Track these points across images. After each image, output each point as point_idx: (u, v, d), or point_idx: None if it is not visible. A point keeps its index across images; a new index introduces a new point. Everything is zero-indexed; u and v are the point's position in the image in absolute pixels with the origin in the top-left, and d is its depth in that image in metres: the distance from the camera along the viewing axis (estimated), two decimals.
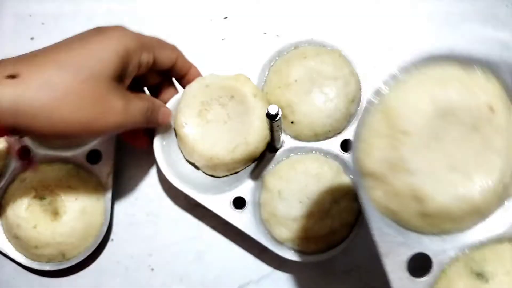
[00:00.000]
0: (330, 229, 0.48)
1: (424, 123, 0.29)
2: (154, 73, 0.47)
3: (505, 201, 0.31)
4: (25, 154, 0.51)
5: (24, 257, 0.50)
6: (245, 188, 0.49)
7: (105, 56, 0.38)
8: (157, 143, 0.49)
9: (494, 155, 0.29)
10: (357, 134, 0.31)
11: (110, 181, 0.51)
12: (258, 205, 0.49)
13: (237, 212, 0.49)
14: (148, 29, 0.45)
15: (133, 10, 0.58)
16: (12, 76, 0.34)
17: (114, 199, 0.53)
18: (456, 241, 0.31)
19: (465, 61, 0.30)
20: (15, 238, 0.50)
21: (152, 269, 0.53)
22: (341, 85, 0.49)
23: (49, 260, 0.50)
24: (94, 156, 0.52)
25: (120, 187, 0.54)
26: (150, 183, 0.54)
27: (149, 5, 0.59)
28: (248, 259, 0.53)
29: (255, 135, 0.47)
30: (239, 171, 0.50)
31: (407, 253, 0.31)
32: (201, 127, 0.48)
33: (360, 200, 0.31)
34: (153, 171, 0.55)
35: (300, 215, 0.47)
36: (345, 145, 0.50)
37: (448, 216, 0.30)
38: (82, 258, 0.50)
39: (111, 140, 0.51)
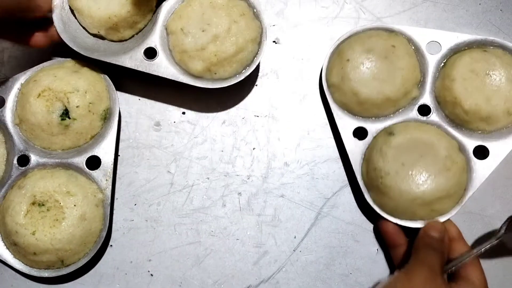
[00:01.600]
0: (237, 46, 0.51)
1: (357, 55, 0.53)
2: None
3: (410, 99, 0.54)
4: (23, 163, 0.52)
5: (22, 264, 0.50)
6: (153, 39, 0.52)
7: None
8: (59, 24, 0.51)
9: (398, 70, 0.52)
10: (324, 66, 0.55)
11: (109, 187, 0.51)
12: (169, 51, 0.53)
13: (150, 61, 0.52)
14: None
15: None
16: None
17: (113, 205, 0.53)
18: (380, 122, 0.54)
19: (386, 28, 0.55)
20: (13, 245, 0.50)
21: (152, 275, 0.53)
22: None
23: (47, 267, 0.50)
24: (93, 162, 0.52)
25: (119, 193, 0.54)
26: (149, 189, 0.55)
27: None
28: (247, 264, 0.53)
29: None
30: (142, 27, 0.54)
31: (353, 126, 0.54)
32: None
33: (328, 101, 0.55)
34: (152, 177, 0.55)
35: (206, 42, 0.51)
36: None
37: (373, 103, 0.53)
38: (81, 265, 0.50)
39: (110, 146, 0.52)
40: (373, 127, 0.53)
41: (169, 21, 0.53)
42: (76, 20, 0.53)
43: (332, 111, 0.54)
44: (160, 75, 0.52)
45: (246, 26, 0.51)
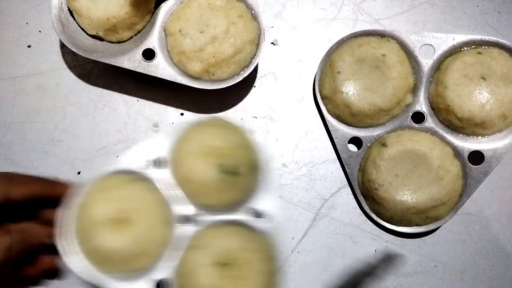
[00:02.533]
0: (235, 48, 0.51)
1: (347, 66, 0.53)
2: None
3: (404, 106, 0.54)
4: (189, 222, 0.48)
5: None
6: (152, 40, 0.53)
7: None
8: (57, 25, 0.52)
9: (389, 80, 0.52)
10: (317, 77, 0.55)
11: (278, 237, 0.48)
12: (167, 53, 0.53)
13: (148, 62, 0.52)
14: None
15: None
16: None
17: None
18: (375, 130, 0.54)
19: (377, 33, 0.55)
20: None
21: None
22: None
23: None
24: (259, 215, 0.49)
25: None
26: None
27: None
28: None
29: None
30: (141, 29, 0.54)
31: (348, 137, 0.54)
32: None
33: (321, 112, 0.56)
34: None
35: (205, 43, 0.51)
36: None
37: (366, 115, 0.53)
38: None
39: (270, 197, 0.49)
40: (367, 137, 0.54)
41: (167, 22, 0.53)
42: (74, 21, 0.54)
43: (327, 122, 0.55)
44: (158, 76, 0.52)
45: (244, 28, 0.52)
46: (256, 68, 0.57)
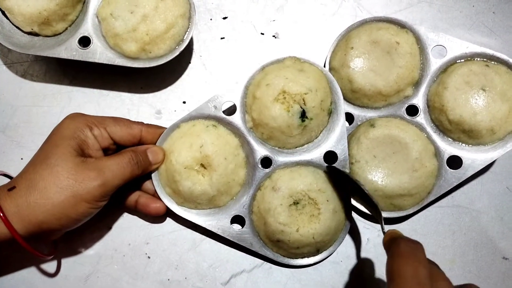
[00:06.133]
0: (167, 23, 0.52)
1: (362, 44, 0.55)
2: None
3: (403, 97, 0.55)
4: (265, 164, 0.53)
5: (281, 256, 0.53)
6: (86, 28, 0.54)
7: (59, 143, 0.46)
8: None
9: (395, 68, 0.54)
10: (331, 48, 0.57)
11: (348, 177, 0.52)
12: (103, 38, 0.54)
13: (85, 49, 0.53)
14: None
15: None
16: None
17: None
18: (369, 112, 0.56)
19: (398, 23, 0.56)
20: (276, 242, 0.51)
21: (149, 257, 0.54)
22: None
23: (304, 256, 0.53)
24: (330, 157, 0.53)
25: None
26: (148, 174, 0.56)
27: None
28: (241, 249, 0.54)
29: None
30: (74, 19, 0.55)
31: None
32: None
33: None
34: None
35: (136, 22, 0.52)
36: None
37: (364, 94, 0.55)
38: (333, 251, 0.53)
39: (341, 139, 0.53)
40: (360, 116, 0.56)
41: (99, 8, 0.54)
42: (8, 21, 0.54)
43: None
44: (96, 61, 0.53)
45: (173, 3, 0.53)
46: (191, 42, 0.58)
